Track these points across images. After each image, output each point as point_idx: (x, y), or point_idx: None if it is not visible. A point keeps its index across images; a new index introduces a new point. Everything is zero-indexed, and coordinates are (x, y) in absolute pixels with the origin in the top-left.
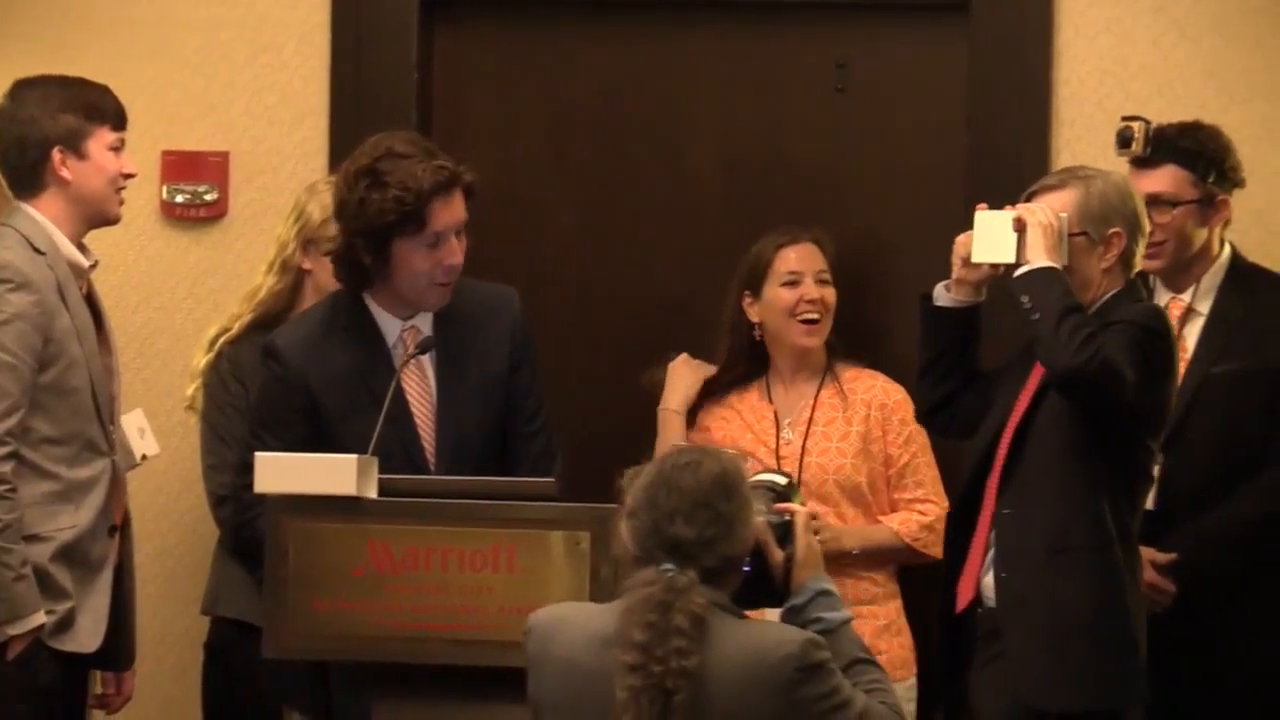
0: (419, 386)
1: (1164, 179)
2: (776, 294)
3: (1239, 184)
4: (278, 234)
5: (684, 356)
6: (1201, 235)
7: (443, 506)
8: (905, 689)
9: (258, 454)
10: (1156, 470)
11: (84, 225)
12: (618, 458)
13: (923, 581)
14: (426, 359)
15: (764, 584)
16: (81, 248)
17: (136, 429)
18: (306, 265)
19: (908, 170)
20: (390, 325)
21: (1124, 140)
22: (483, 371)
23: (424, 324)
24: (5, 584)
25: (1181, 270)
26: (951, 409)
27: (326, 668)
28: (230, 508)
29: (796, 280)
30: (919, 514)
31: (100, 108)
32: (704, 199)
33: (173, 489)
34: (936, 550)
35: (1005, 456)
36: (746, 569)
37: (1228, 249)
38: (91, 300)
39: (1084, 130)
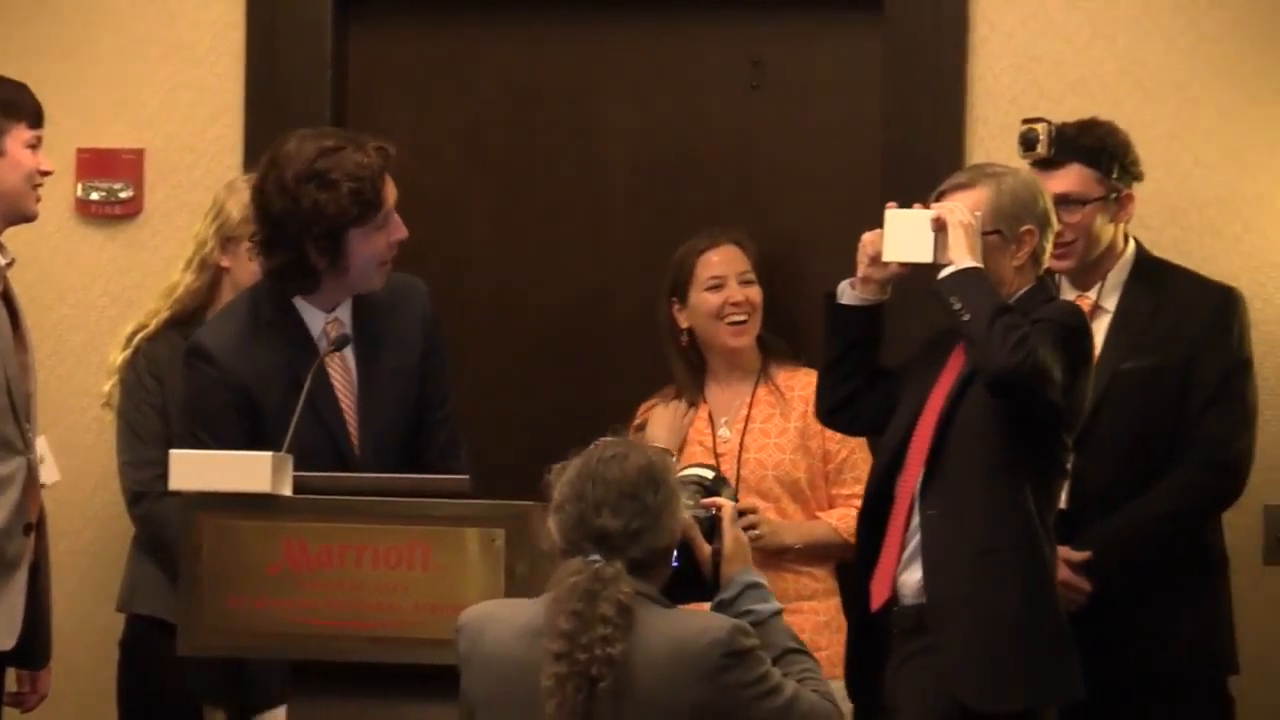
0: (342, 378)
1: (1070, 179)
2: (702, 298)
3: (1139, 177)
4: (196, 231)
5: (673, 405)
6: (1109, 232)
7: (358, 504)
8: (841, 686)
9: (173, 451)
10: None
11: (0, 223)
12: (533, 453)
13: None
14: (348, 351)
15: (692, 579)
16: None
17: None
18: (225, 263)
19: (823, 167)
20: (314, 318)
21: (1028, 143)
22: (399, 360)
23: (345, 315)
24: None
25: (1088, 268)
26: (855, 408)
27: (242, 666)
28: (148, 504)
29: (720, 283)
30: (857, 509)
31: (17, 105)
32: (619, 196)
33: (88, 486)
34: None
35: (926, 457)
36: (675, 564)
37: (1132, 244)
38: (7, 297)
39: (998, 128)
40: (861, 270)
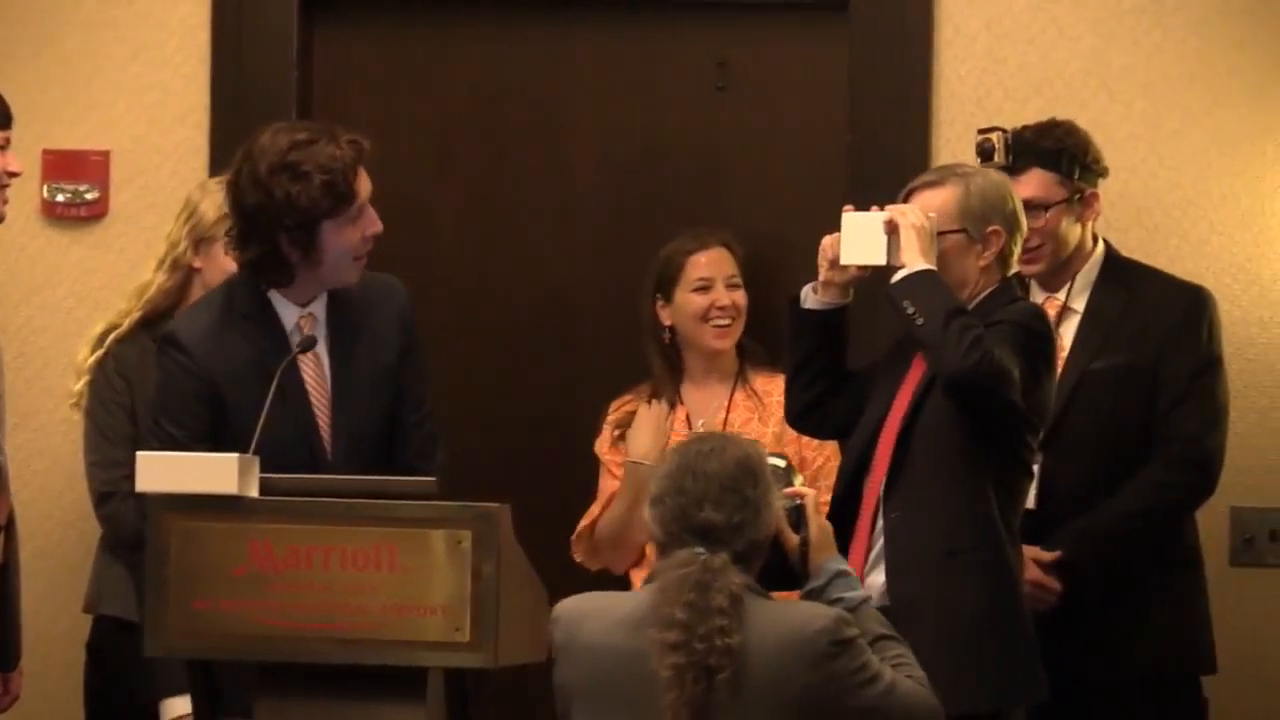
0: (315, 374)
1: (1031, 184)
2: (688, 299)
3: (1103, 175)
4: (168, 232)
5: (656, 407)
6: (1076, 233)
7: (324, 505)
8: None
9: (139, 453)
10: (1036, 468)
11: None
12: (502, 453)
13: None
14: (322, 348)
15: (780, 568)
16: None
17: None
18: (196, 263)
19: (788, 169)
20: (288, 312)
21: (985, 153)
22: (374, 359)
23: (319, 310)
24: None
25: (1058, 270)
26: (822, 411)
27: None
28: (115, 505)
29: (707, 286)
30: None
31: None
32: (585, 197)
33: (55, 487)
34: None
35: (890, 458)
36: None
37: (1101, 245)
38: None
39: (964, 129)
40: (822, 274)
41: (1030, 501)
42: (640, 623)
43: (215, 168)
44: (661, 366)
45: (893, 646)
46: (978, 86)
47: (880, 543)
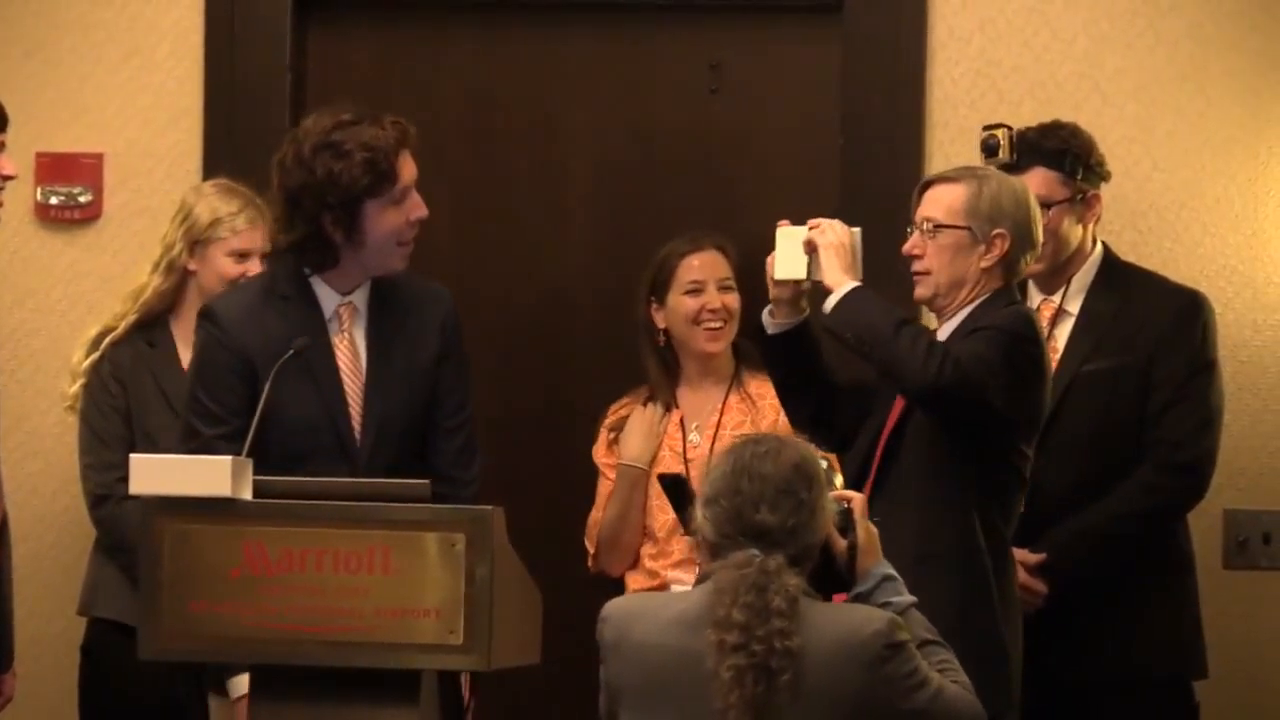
0: (350, 362)
1: (1034, 182)
2: (680, 302)
3: (1106, 178)
4: (163, 235)
5: (650, 410)
6: (1077, 234)
7: (318, 508)
8: None
9: (133, 456)
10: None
11: None
12: (496, 456)
13: None
14: (360, 337)
15: (830, 571)
16: None
17: None
18: (191, 266)
19: (781, 171)
20: (329, 299)
21: (989, 149)
22: (411, 357)
23: (360, 301)
24: None
25: (1056, 271)
26: (826, 422)
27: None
28: (110, 508)
29: (699, 288)
30: None
31: None
32: (578, 200)
33: (49, 489)
34: None
35: (878, 466)
36: None
37: (1099, 247)
38: None
39: (957, 132)
40: (771, 291)
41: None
42: (695, 623)
43: (209, 170)
44: (657, 369)
45: (938, 652)
46: (971, 89)
47: None
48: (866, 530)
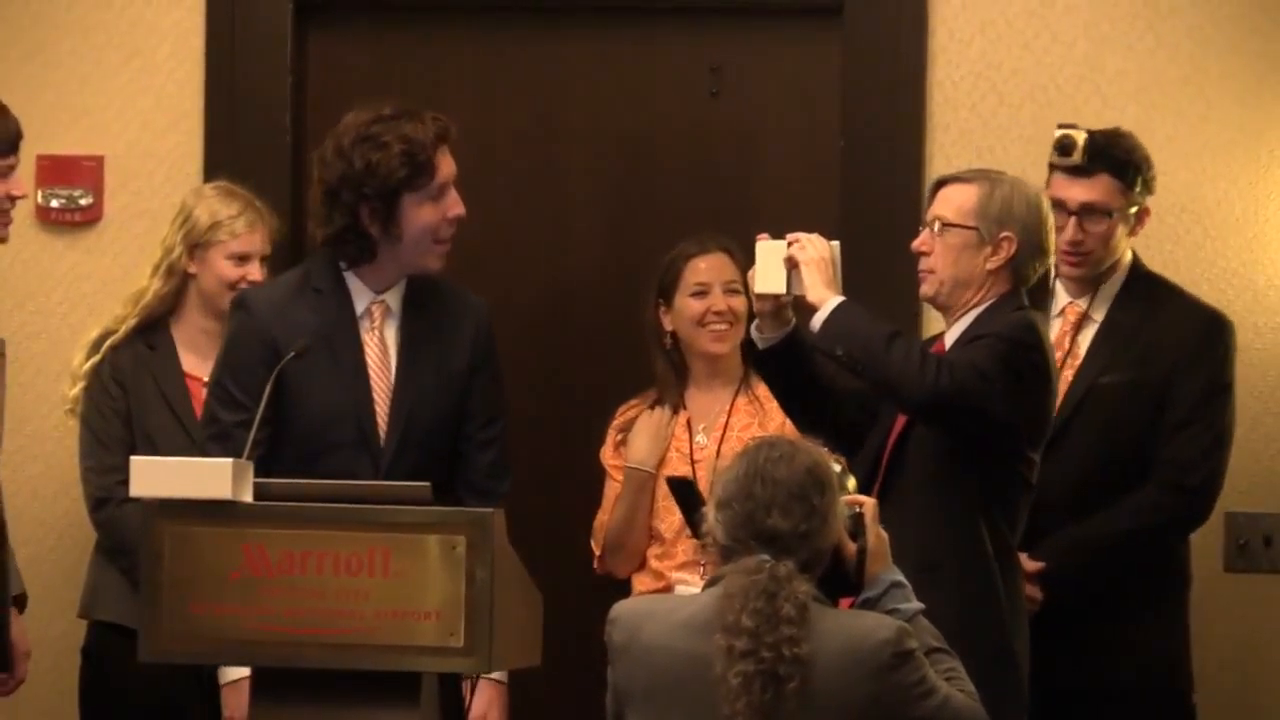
0: (378, 359)
1: (1100, 188)
2: (686, 304)
3: (1153, 191)
4: (163, 237)
5: (657, 413)
6: (1124, 244)
7: (318, 510)
8: None
9: (133, 458)
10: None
11: None
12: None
13: None
14: (391, 336)
15: (839, 576)
16: None
17: None
18: (191, 269)
19: (782, 174)
20: (362, 295)
21: (1064, 148)
22: (443, 361)
23: (394, 301)
24: None
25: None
26: (831, 425)
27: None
28: (110, 510)
29: (705, 291)
30: None
31: None
32: (579, 203)
33: (49, 492)
34: None
35: (883, 474)
36: None
37: (1129, 255)
38: None
39: (958, 134)
40: (754, 306)
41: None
42: (704, 627)
43: (209, 173)
44: (665, 371)
45: (945, 660)
46: (971, 91)
47: None
48: (877, 535)
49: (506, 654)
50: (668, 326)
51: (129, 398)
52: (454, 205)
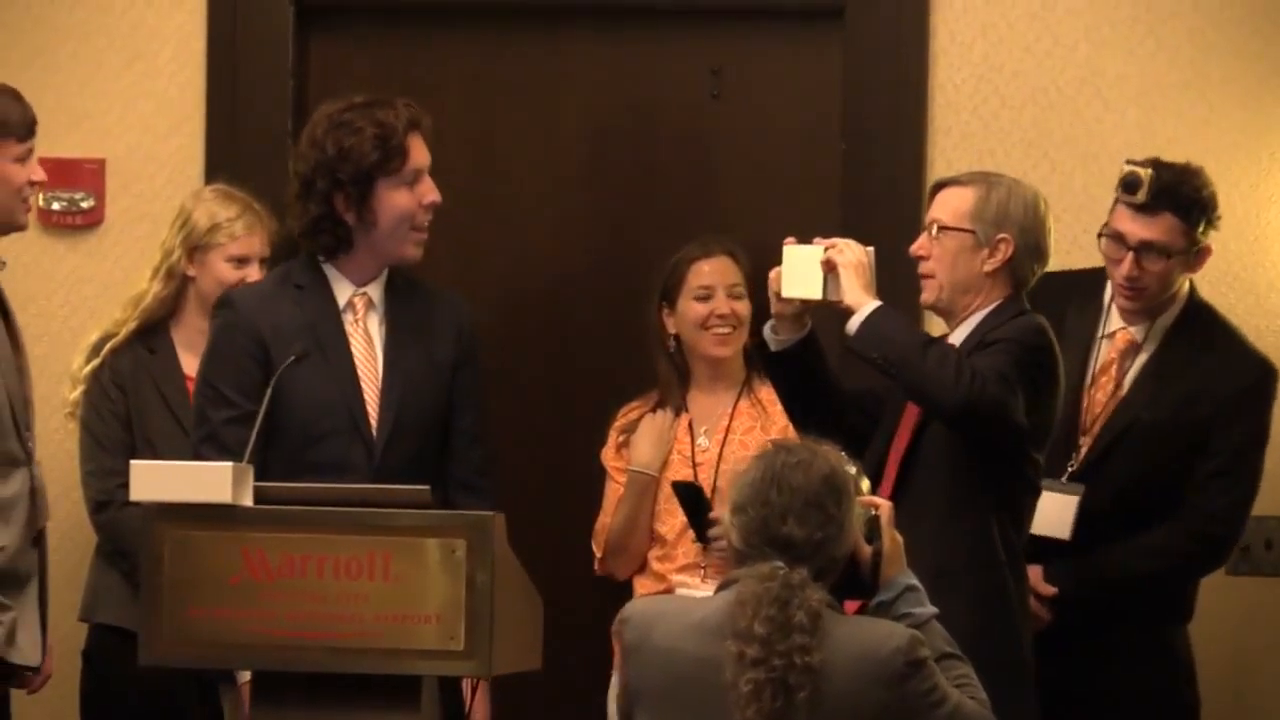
0: (364, 350)
1: (1162, 228)
2: (689, 306)
3: (1217, 229)
4: (162, 240)
5: (660, 415)
6: (1181, 281)
7: (318, 514)
8: None
9: (134, 462)
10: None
11: None
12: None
13: None
14: (375, 328)
15: (853, 578)
16: None
17: None
18: (191, 272)
19: (783, 177)
20: (343, 288)
21: (1130, 186)
22: (429, 353)
23: (376, 294)
24: None
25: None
26: (834, 429)
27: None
28: (111, 514)
29: (708, 294)
30: None
31: (5, 122)
32: (579, 204)
33: (50, 495)
34: None
35: (895, 479)
36: None
37: (1186, 285)
38: (1, 304)
39: (960, 137)
40: (773, 307)
41: (1066, 533)
42: (716, 630)
43: (210, 176)
44: (668, 373)
45: (957, 665)
46: (973, 94)
47: None
48: (892, 539)
49: (506, 657)
50: (670, 329)
51: (129, 401)
52: (429, 192)
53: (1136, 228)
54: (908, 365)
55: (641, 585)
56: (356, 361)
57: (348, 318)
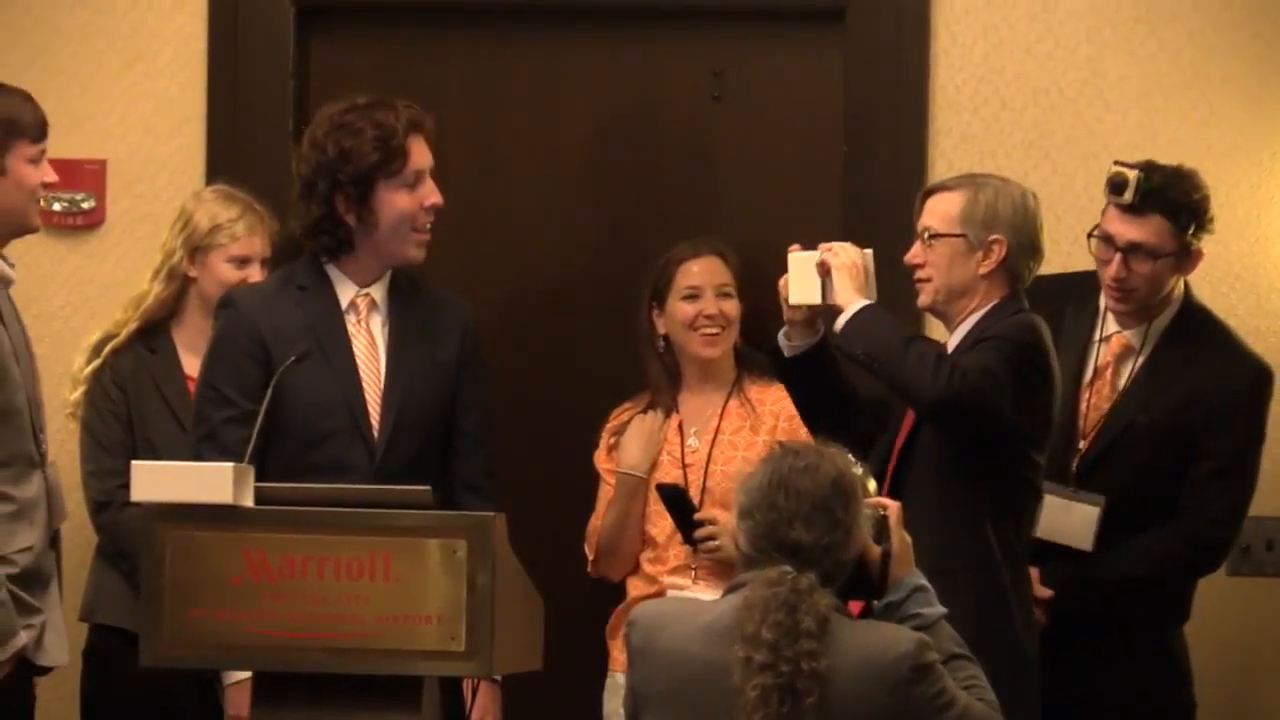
0: (367, 349)
1: (1150, 229)
2: (678, 307)
3: (1211, 232)
4: (163, 241)
5: (650, 417)
6: (1172, 283)
7: (319, 515)
8: None
9: (134, 463)
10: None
11: (4, 238)
12: (497, 462)
13: None
14: (378, 329)
15: (861, 579)
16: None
17: None
18: (192, 273)
19: (784, 178)
20: (346, 289)
21: (1117, 187)
22: (432, 354)
23: (379, 295)
24: None
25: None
26: (845, 433)
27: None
28: (111, 514)
29: (696, 294)
30: None
31: (18, 123)
32: (580, 206)
33: None
34: None
35: (891, 479)
36: None
37: (1181, 288)
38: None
39: (960, 139)
40: (785, 314)
41: (1088, 544)
42: (723, 634)
43: (211, 177)
44: (658, 374)
45: (966, 667)
46: (974, 96)
47: None
48: (900, 539)
49: (507, 658)
50: (660, 329)
51: (130, 401)
52: (430, 194)
53: (1125, 229)
54: (888, 361)
55: (634, 587)
56: (359, 362)
57: (350, 318)
